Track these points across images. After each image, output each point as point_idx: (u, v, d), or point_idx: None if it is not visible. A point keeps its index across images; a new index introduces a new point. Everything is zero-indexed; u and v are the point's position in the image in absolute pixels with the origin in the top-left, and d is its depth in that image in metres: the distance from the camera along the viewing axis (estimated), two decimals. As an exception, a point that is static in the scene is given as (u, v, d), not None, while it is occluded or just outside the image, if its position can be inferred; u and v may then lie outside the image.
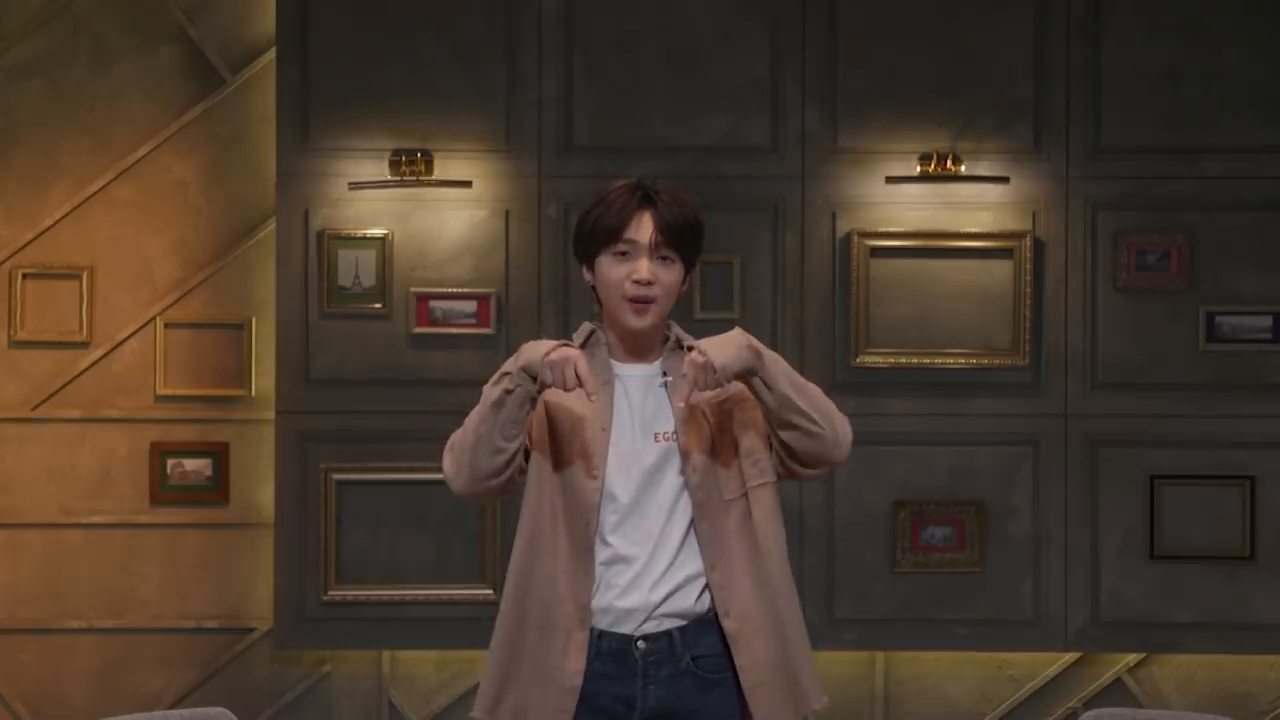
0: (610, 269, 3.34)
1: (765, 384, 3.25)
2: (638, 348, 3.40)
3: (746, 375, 3.25)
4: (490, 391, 3.27)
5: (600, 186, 3.43)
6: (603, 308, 3.41)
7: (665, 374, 3.37)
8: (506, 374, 3.25)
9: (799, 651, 3.37)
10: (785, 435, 3.30)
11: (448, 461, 3.34)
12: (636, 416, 3.35)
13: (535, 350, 3.25)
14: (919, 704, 5.94)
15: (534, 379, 3.23)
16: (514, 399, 3.24)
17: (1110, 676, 5.93)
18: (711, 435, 3.34)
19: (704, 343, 3.26)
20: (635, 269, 3.32)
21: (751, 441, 3.36)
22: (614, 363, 3.39)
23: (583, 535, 3.32)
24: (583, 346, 3.38)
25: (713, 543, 3.33)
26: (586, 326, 3.44)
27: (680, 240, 3.35)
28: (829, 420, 3.31)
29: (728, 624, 3.32)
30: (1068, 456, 5.80)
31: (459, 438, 3.32)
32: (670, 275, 3.35)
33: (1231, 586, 5.81)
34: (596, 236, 3.35)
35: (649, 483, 3.33)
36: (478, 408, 3.30)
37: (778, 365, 3.28)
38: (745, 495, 3.34)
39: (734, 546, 3.33)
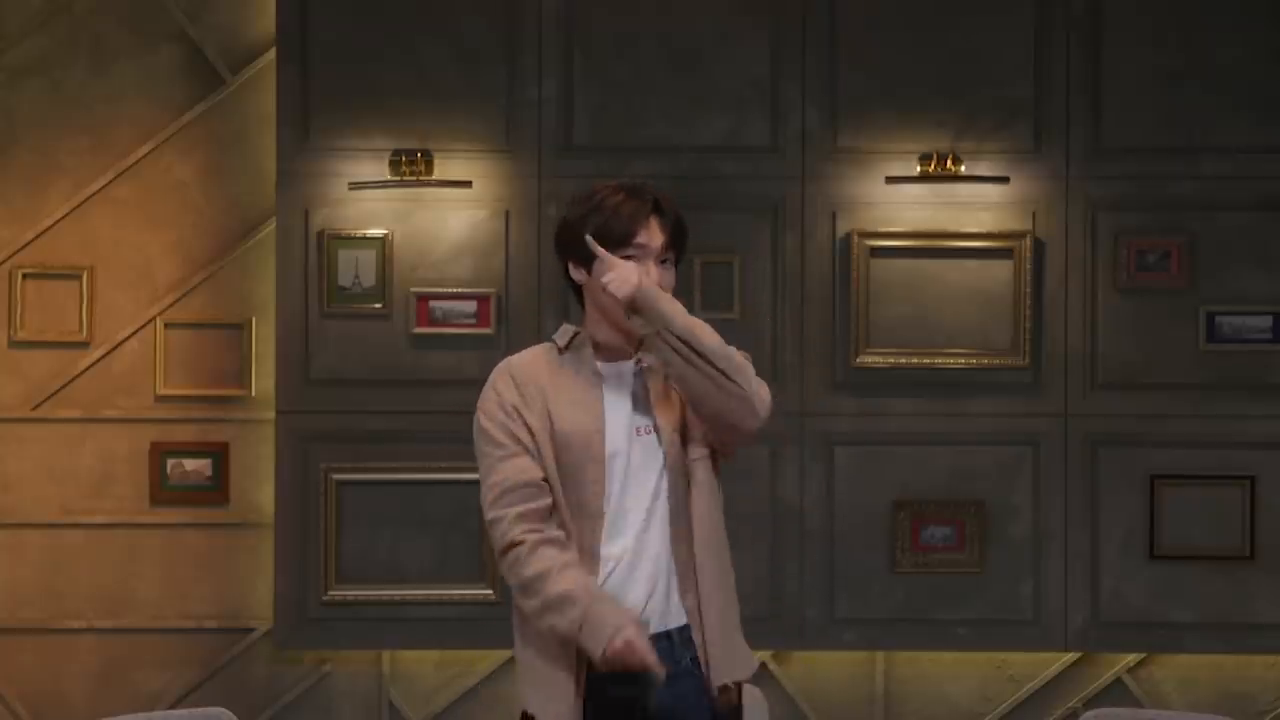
0: None
1: (679, 337, 3.27)
2: (622, 347, 3.42)
3: (642, 305, 3.28)
4: (554, 621, 3.29)
5: (585, 189, 3.45)
6: (589, 308, 3.43)
7: (639, 361, 3.40)
8: (568, 620, 3.27)
9: (735, 620, 3.43)
10: (693, 392, 3.31)
11: (506, 570, 3.36)
12: (622, 416, 3.38)
13: (597, 638, 3.23)
14: (919, 704, 5.94)
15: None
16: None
17: (1110, 676, 5.93)
18: (681, 415, 3.38)
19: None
20: (645, 271, 3.34)
21: (693, 419, 3.39)
22: (598, 364, 3.42)
23: (589, 540, 3.35)
24: (567, 348, 3.42)
25: (679, 518, 3.37)
26: (569, 328, 3.46)
27: (680, 245, 3.41)
28: (748, 383, 3.30)
29: (688, 600, 3.36)
30: (1068, 456, 5.80)
31: (523, 590, 3.33)
32: (670, 278, 3.40)
33: (1231, 586, 5.81)
34: (603, 240, 3.35)
35: (632, 481, 3.36)
36: (544, 612, 3.30)
37: (689, 320, 3.29)
38: (693, 468, 3.39)
39: (693, 520, 3.37)
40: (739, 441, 3.41)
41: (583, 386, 3.38)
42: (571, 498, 3.35)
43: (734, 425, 3.33)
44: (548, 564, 3.29)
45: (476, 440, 3.41)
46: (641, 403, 3.39)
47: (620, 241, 3.34)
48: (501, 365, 3.46)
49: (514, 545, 3.32)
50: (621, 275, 3.29)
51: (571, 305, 5.61)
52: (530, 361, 3.43)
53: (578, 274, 3.42)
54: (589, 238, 3.33)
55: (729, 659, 3.39)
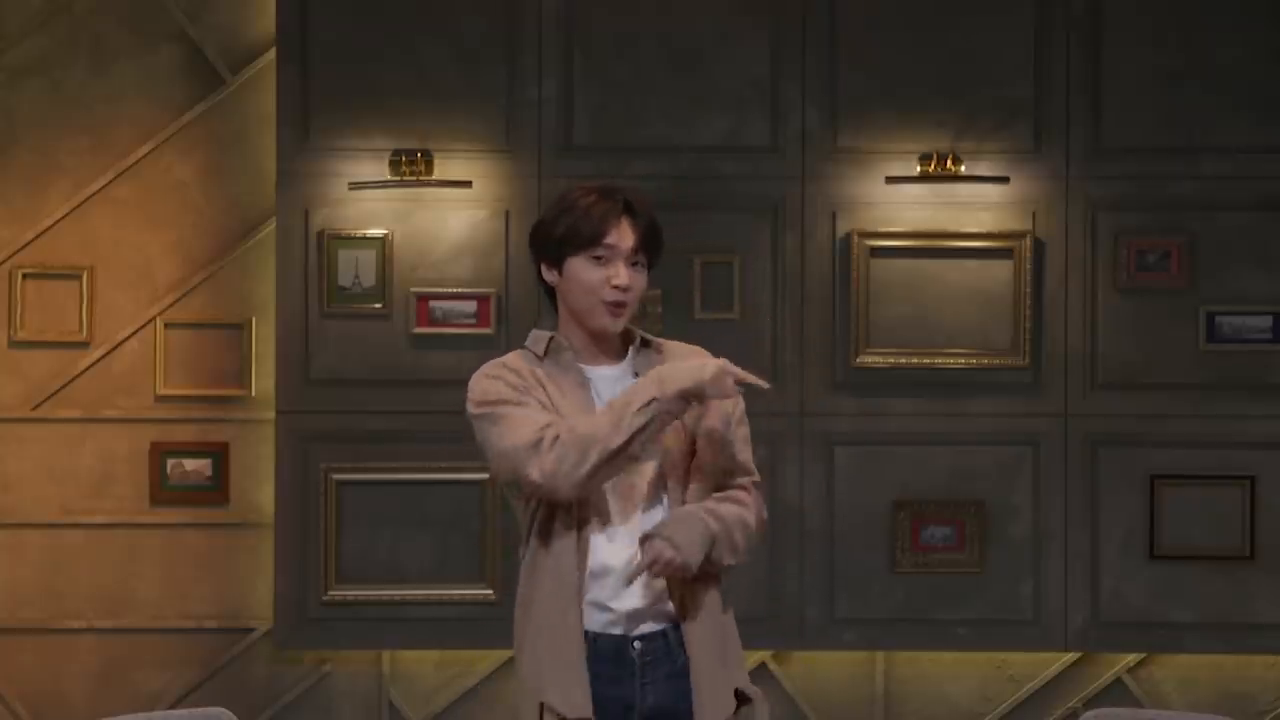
0: (586, 272, 3.37)
1: (711, 561, 3.34)
2: (603, 349, 3.43)
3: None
4: (636, 419, 3.23)
5: (562, 191, 3.46)
6: (561, 310, 3.44)
7: (636, 374, 3.40)
8: (654, 400, 3.24)
9: (733, 642, 3.42)
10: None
11: (556, 463, 3.24)
12: None
13: (688, 375, 3.26)
14: (919, 704, 5.94)
15: (687, 401, 3.28)
16: (663, 423, 3.27)
17: (1110, 676, 5.93)
18: (683, 430, 3.38)
19: (669, 533, 3.28)
20: (614, 274, 3.36)
21: (702, 455, 3.40)
22: (582, 367, 3.41)
23: (586, 544, 3.33)
24: (546, 354, 3.41)
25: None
26: (542, 334, 3.44)
27: (653, 248, 3.41)
28: (755, 543, 3.43)
29: (688, 623, 3.35)
30: (1068, 456, 5.80)
31: (581, 448, 3.23)
32: (641, 281, 3.40)
33: (1231, 586, 5.81)
34: (573, 240, 3.37)
35: (624, 481, 3.35)
36: (614, 427, 3.24)
37: (725, 538, 3.34)
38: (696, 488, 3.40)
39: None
40: None
41: (573, 390, 3.37)
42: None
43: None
44: (584, 417, 3.29)
45: (481, 414, 3.35)
46: None
47: (590, 242, 3.36)
48: (490, 363, 3.44)
49: (540, 439, 3.25)
50: (671, 562, 3.29)
51: (571, 305, 5.66)
52: (518, 362, 3.43)
53: (550, 275, 3.43)
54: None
55: (713, 694, 3.36)
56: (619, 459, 3.25)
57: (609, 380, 3.40)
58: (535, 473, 3.26)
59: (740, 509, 3.39)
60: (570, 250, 3.38)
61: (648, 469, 3.36)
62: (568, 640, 3.31)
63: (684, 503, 3.36)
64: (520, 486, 3.31)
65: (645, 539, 3.28)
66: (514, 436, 3.29)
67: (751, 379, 3.29)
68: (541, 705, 3.31)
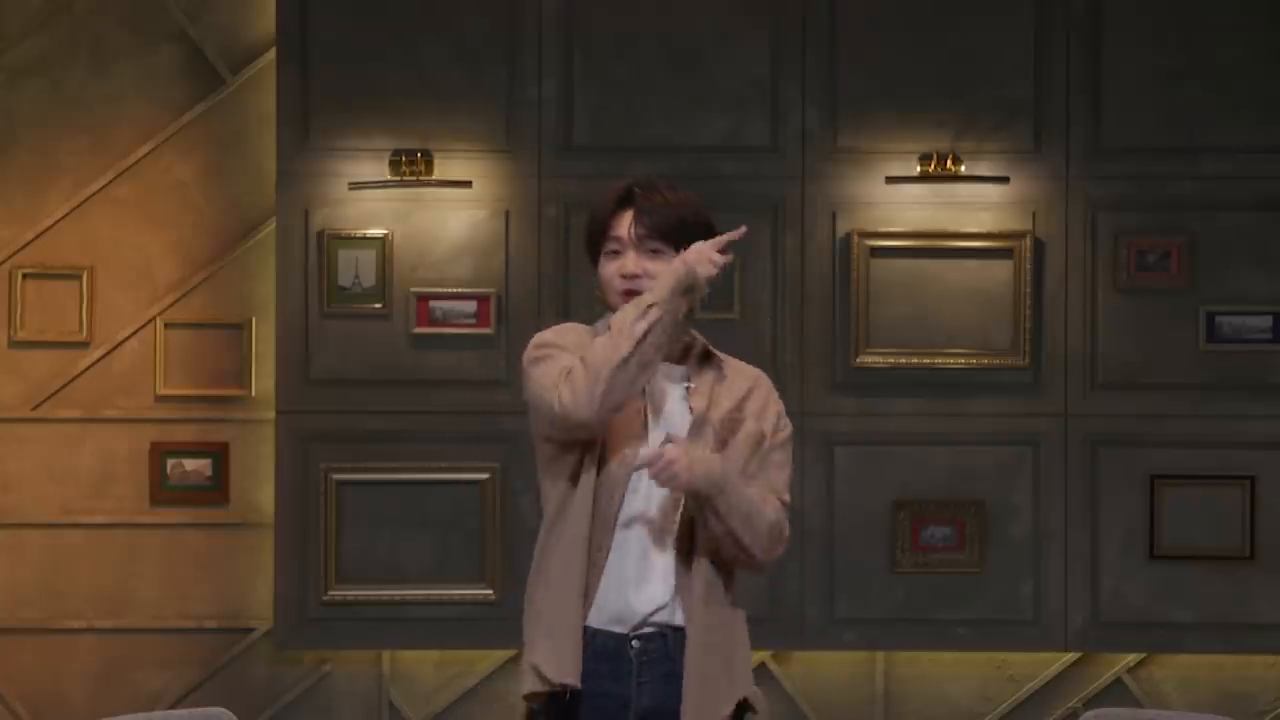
0: (604, 267, 3.41)
1: (715, 513, 3.28)
2: None
3: (701, 497, 3.28)
4: (638, 325, 3.23)
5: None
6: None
7: (689, 381, 3.39)
8: (651, 305, 3.23)
9: (743, 651, 3.40)
10: (718, 537, 3.32)
11: (571, 391, 3.24)
12: (657, 415, 3.37)
13: (674, 268, 3.26)
14: (919, 704, 5.94)
15: (685, 292, 3.26)
16: (666, 325, 3.24)
17: (1110, 676, 5.94)
18: (715, 444, 3.36)
19: (686, 449, 3.26)
20: (623, 263, 3.37)
21: (735, 455, 3.38)
22: None
23: (604, 538, 3.33)
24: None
25: (688, 533, 3.34)
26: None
27: (668, 233, 3.37)
28: (766, 550, 3.34)
29: (689, 627, 3.33)
30: (1068, 456, 5.80)
31: (593, 369, 3.23)
32: (661, 267, 3.35)
33: (1231, 586, 5.81)
34: (591, 239, 3.42)
35: (655, 488, 3.33)
36: (623, 341, 3.23)
37: (736, 498, 3.29)
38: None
39: (696, 546, 3.34)
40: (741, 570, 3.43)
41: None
42: (602, 477, 3.33)
43: (737, 562, 3.37)
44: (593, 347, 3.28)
45: (530, 359, 3.35)
46: (679, 416, 3.37)
47: (599, 235, 3.39)
48: (555, 327, 3.46)
49: (559, 375, 3.27)
50: (662, 465, 3.26)
51: (572, 305, 5.67)
52: (584, 328, 3.43)
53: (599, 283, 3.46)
54: None
55: (702, 699, 3.34)
56: (629, 368, 3.22)
57: (659, 377, 3.36)
58: (557, 404, 3.26)
59: (763, 502, 3.35)
60: (595, 251, 3.41)
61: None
62: (569, 607, 3.29)
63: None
64: (553, 426, 3.31)
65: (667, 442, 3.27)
66: (545, 379, 3.30)
67: (729, 236, 3.30)
68: (528, 695, 3.33)
